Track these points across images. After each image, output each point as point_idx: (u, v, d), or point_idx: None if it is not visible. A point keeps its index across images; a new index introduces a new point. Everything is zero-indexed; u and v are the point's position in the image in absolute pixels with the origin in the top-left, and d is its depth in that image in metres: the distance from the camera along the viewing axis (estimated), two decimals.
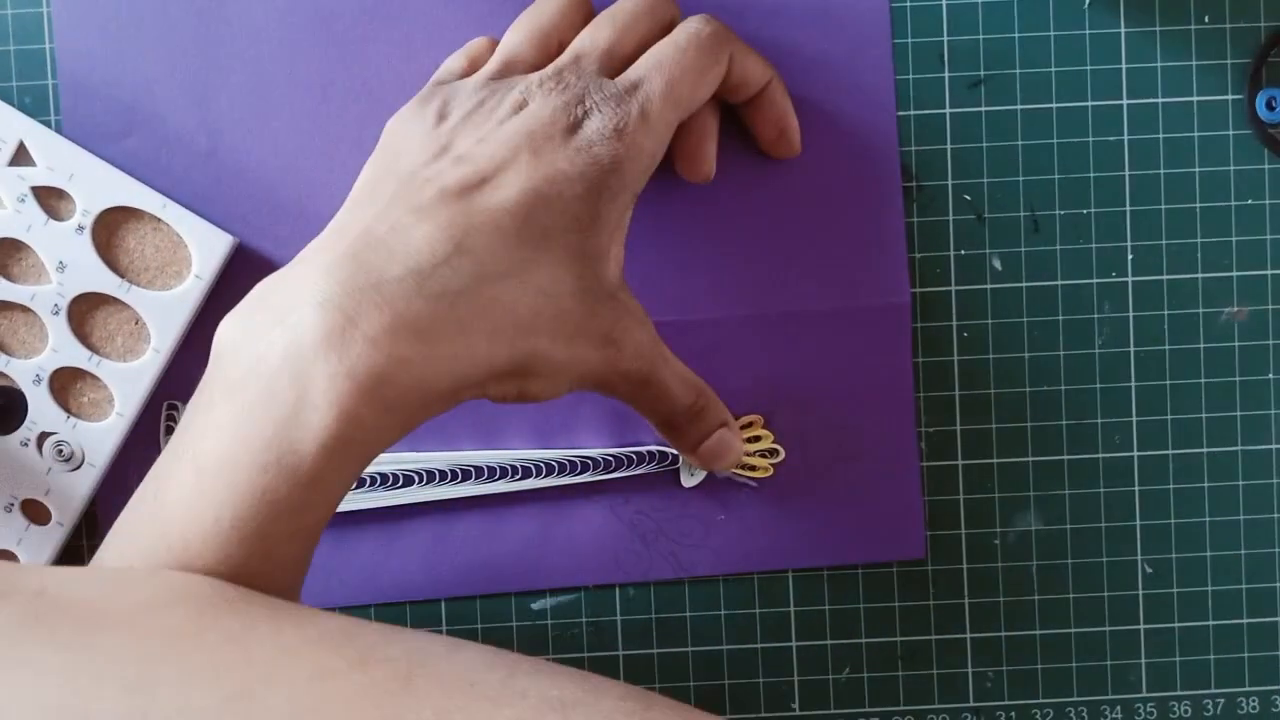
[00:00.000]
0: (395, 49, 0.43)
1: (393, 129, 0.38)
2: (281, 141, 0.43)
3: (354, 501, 0.43)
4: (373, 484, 0.43)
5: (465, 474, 0.43)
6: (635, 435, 0.43)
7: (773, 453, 0.43)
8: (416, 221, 0.33)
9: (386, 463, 0.43)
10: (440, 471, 0.43)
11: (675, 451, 0.43)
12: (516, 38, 0.39)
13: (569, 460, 0.43)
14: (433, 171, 0.35)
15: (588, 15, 0.40)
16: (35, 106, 0.43)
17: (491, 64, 0.39)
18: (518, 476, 0.43)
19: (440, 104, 0.37)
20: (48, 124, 0.43)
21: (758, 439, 0.43)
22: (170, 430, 0.43)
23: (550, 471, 0.43)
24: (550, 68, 0.37)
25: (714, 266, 0.43)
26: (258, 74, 0.43)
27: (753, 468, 0.42)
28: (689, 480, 0.43)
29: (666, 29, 0.39)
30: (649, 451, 0.43)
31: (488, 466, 0.43)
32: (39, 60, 0.43)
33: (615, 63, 0.38)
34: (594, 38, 0.38)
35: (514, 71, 0.38)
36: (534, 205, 0.34)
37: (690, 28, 0.38)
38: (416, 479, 0.43)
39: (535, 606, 0.44)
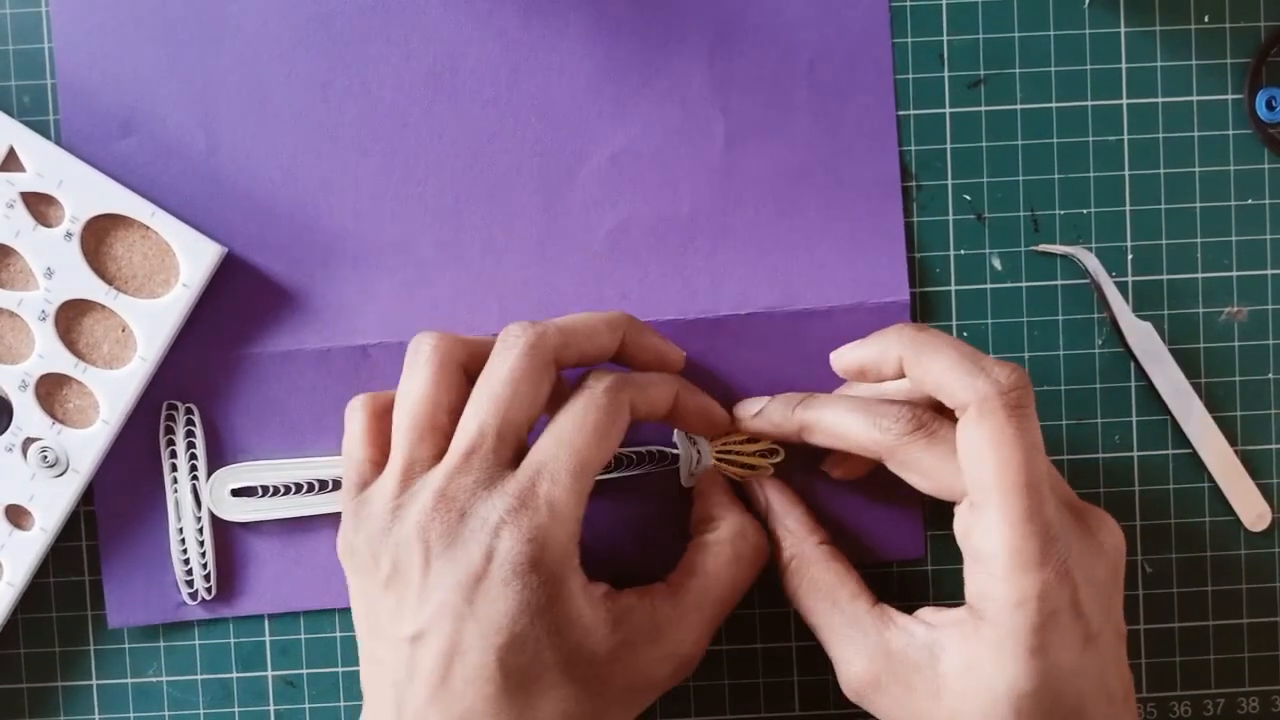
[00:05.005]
0: (395, 49, 0.43)
1: (356, 598, 0.38)
2: (281, 141, 0.43)
3: None
4: None
5: None
6: (635, 435, 0.43)
7: (772, 452, 0.43)
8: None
9: None
10: None
11: (675, 451, 0.43)
12: (406, 440, 0.37)
13: None
14: (412, 664, 0.36)
15: (463, 382, 0.38)
16: (34, 106, 0.43)
17: (392, 480, 0.37)
18: None
19: (369, 554, 0.36)
20: (46, 123, 0.43)
21: (757, 439, 0.43)
22: (170, 430, 0.43)
23: None
24: (439, 487, 0.36)
25: (714, 266, 0.43)
26: (257, 74, 0.43)
27: (753, 467, 0.42)
28: (689, 480, 0.43)
29: (549, 368, 0.37)
30: (649, 451, 0.43)
31: None
32: (38, 60, 0.43)
33: (509, 444, 0.37)
34: (481, 424, 0.36)
35: (417, 476, 0.37)
36: (503, 659, 0.35)
37: (585, 396, 0.37)
38: None
39: None
